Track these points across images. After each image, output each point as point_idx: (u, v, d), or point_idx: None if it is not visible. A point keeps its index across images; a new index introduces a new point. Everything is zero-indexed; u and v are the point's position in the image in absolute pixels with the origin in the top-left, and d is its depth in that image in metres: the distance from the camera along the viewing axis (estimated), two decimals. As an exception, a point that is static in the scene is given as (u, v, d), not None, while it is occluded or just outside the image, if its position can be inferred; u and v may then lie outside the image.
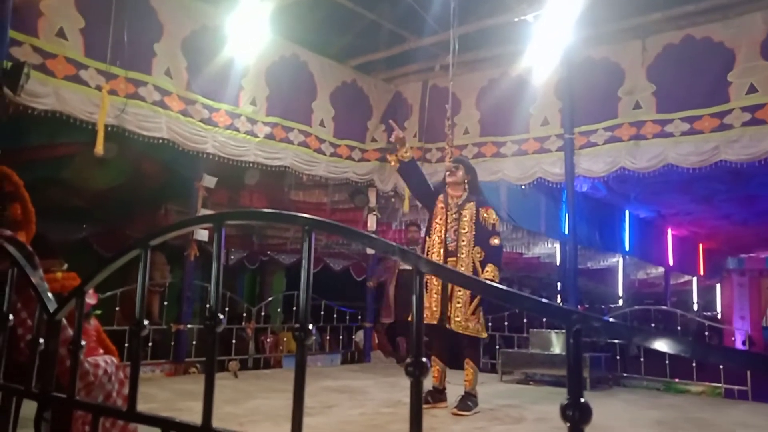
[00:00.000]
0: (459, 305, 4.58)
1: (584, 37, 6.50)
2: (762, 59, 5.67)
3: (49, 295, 2.10)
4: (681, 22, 6.11)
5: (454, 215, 4.76)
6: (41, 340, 2.00)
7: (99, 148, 5.19)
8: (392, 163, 5.07)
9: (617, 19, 6.40)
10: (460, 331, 4.59)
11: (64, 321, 2.16)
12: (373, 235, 1.25)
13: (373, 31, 7.58)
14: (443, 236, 4.75)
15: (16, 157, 5.65)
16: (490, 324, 7.43)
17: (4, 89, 3.11)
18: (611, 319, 0.89)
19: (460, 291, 4.60)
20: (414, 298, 1.14)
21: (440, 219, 4.81)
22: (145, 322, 1.58)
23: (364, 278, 8.85)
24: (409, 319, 1.13)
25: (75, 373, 1.80)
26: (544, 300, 0.94)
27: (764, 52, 5.66)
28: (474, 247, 4.67)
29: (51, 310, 1.91)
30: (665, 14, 6.04)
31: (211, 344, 1.49)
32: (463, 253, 4.67)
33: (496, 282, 4.50)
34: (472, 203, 4.79)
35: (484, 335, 4.79)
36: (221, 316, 1.45)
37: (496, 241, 4.71)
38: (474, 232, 4.69)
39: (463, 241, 4.68)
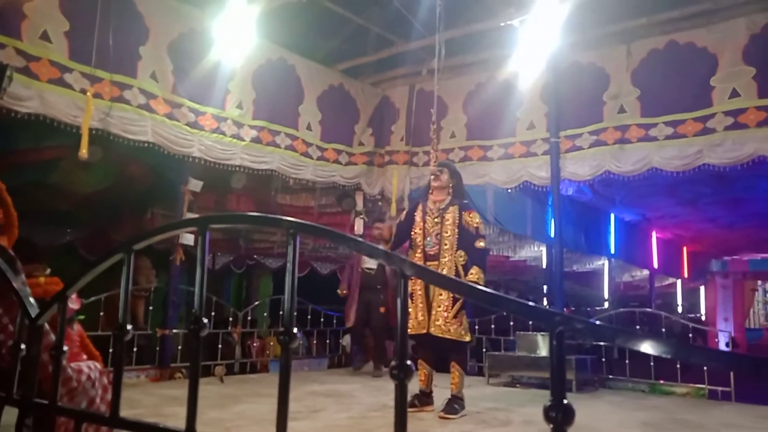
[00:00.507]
0: (440, 309, 4.56)
1: (570, 42, 6.55)
2: (744, 64, 5.74)
3: (31, 300, 2.08)
4: (665, 27, 6.18)
5: (435, 219, 4.75)
6: (23, 346, 1.98)
7: (83, 152, 5.15)
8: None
9: (603, 24, 6.46)
10: (440, 335, 4.55)
11: (47, 326, 2.13)
12: (358, 238, 1.25)
13: (360, 35, 7.60)
14: (423, 242, 4.76)
15: (1, 161, 5.61)
16: (476, 327, 7.45)
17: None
18: (595, 321, 0.89)
19: (441, 295, 4.58)
20: (399, 301, 1.14)
21: (419, 227, 4.82)
22: (129, 327, 1.56)
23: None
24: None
25: (57, 378, 1.78)
26: (528, 303, 0.95)
27: (746, 57, 5.73)
28: (457, 251, 4.65)
29: (33, 315, 1.89)
30: (650, 19, 6.11)
31: (196, 349, 1.48)
32: (445, 257, 4.65)
33: (480, 285, 4.51)
34: (455, 207, 4.77)
35: (467, 338, 4.73)
36: (206, 321, 1.44)
37: (481, 244, 4.69)
38: (457, 236, 4.68)
39: (445, 245, 4.66)
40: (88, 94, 5.26)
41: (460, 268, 4.62)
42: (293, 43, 7.21)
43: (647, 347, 0.83)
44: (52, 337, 2.47)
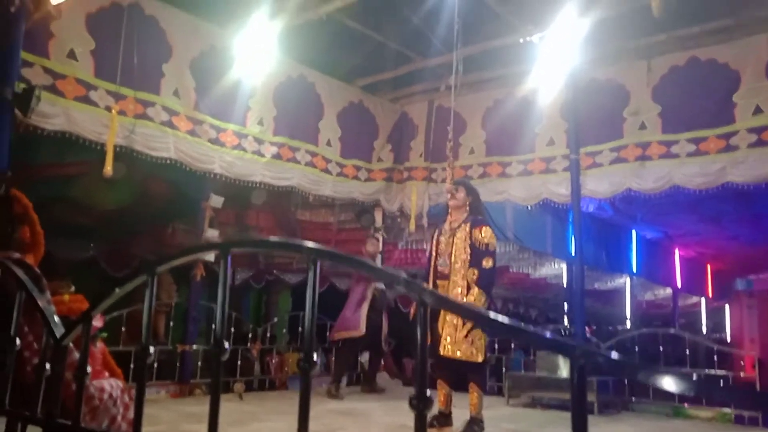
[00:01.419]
0: (449, 329, 4.49)
1: (589, 58, 6.53)
2: (767, 80, 5.67)
3: (56, 318, 2.10)
4: (686, 43, 6.13)
5: (448, 238, 4.72)
6: (47, 365, 2.01)
7: (108, 169, 5.23)
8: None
9: (622, 39, 6.43)
10: (449, 356, 4.45)
11: (71, 344, 2.15)
12: (377, 264, 1.25)
13: (379, 52, 7.65)
14: (435, 262, 4.73)
15: (26, 176, 5.71)
16: (496, 346, 7.39)
17: (15, 111, 3.15)
18: (615, 355, 0.88)
19: (449, 315, 4.50)
20: (418, 330, 1.14)
21: (434, 248, 4.80)
22: (152, 349, 1.58)
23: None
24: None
25: (80, 399, 1.80)
26: (547, 334, 0.94)
27: (770, 73, 5.66)
28: (469, 268, 4.56)
29: (58, 336, 1.91)
30: (670, 35, 6.07)
31: (216, 371, 1.49)
32: (456, 276, 4.58)
33: (477, 306, 4.46)
34: (466, 224, 4.69)
35: (479, 359, 4.51)
36: (226, 344, 1.45)
37: (488, 263, 4.55)
38: (469, 254, 4.59)
39: (456, 263, 4.60)
40: (113, 111, 5.35)
41: (472, 284, 4.54)
42: (313, 60, 7.28)
43: (670, 384, 0.81)
44: (76, 355, 2.50)
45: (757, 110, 5.66)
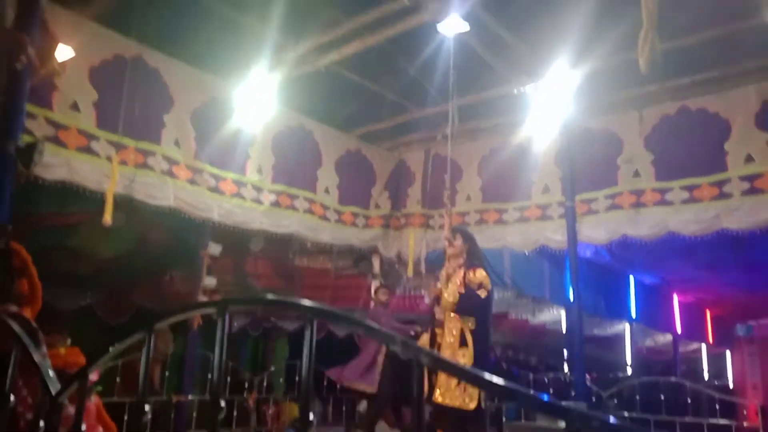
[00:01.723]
0: (442, 376, 4.39)
1: (582, 107, 6.67)
2: (757, 129, 5.79)
3: (51, 373, 2.10)
4: (676, 93, 6.27)
5: (444, 286, 4.70)
6: (42, 423, 1.99)
7: (107, 218, 5.26)
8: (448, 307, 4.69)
9: (614, 90, 6.57)
10: (439, 402, 4.37)
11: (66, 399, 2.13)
12: (374, 325, 1.25)
13: (376, 102, 7.79)
14: (434, 310, 4.70)
15: (25, 226, 5.74)
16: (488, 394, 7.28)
17: (18, 165, 3.21)
18: (612, 419, 0.89)
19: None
20: (414, 391, 1.14)
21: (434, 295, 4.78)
22: (147, 408, 1.58)
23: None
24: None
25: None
26: (543, 397, 0.95)
27: (759, 122, 5.78)
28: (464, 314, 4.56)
29: (54, 392, 1.91)
30: (661, 86, 6.21)
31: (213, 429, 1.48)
32: (450, 323, 4.52)
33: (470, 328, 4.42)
34: (461, 270, 4.69)
35: (472, 406, 4.36)
36: (222, 403, 1.45)
37: (483, 294, 4.50)
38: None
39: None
40: (114, 161, 5.41)
41: (468, 333, 4.48)
42: (312, 110, 7.41)
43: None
44: (71, 410, 2.48)
45: (749, 159, 5.75)
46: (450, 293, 4.58)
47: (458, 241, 4.88)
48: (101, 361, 1.77)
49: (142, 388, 1.59)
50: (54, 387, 1.95)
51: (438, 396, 4.39)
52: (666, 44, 4.82)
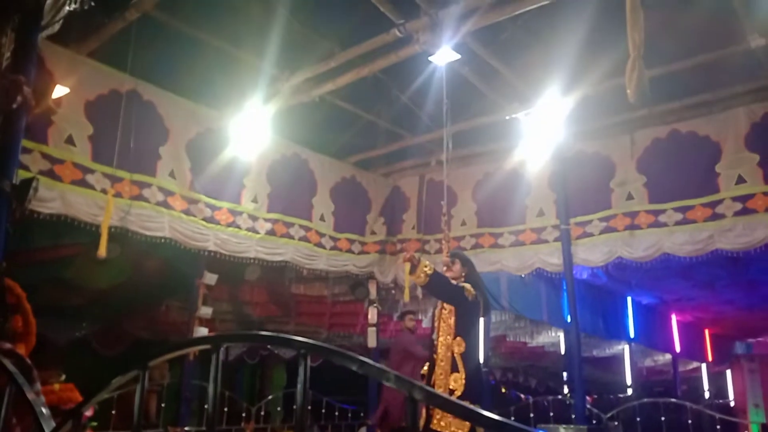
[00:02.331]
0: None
1: (574, 132, 6.75)
2: (747, 151, 5.85)
3: (45, 411, 2.09)
4: (667, 117, 6.36)
5: (439, 312, 4.67)
6: (35, 462, 1.98)
7: (102, 251, 5.25)
8: (419, 279, 4.47)
9: (605, 115, 6.66)
10: (438, 429, 4.35)
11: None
12: (368, 361, 1.26)
13: (370, 129, 7.88)
14: (432, 335, 4.67)
15: (19, 260, 5.73)
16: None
17: (13, 201, 3.22)
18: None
19: (440, 388, 4.39)
20: (410, 422, 1.15)
21: (436, 321, 4.74)
22: (141, 447, 1.57)
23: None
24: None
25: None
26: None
27: (749, 144, 5.85)
28: (455, 338, 4.52)
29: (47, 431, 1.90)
30: (651, 110, 6.29)
31: (207, 470, 1.48)
32: (441, 349, 4.45)
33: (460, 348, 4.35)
34: None
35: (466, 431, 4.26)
36: (217, 441, 1.45)
37: (455, 282, 4.45)
38: (455, 318, 4.45)
39: (441, 336, 4.53)
40: (109, 194, 5.43)
41: (458, 358, 4.42)
42: (306, 139, 7.47)
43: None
44: (64, 447, 2.45)
45: (740, 180, 5.81)
46: (425, 265, 4.35)
47: (456, 266, 4.87)
48: (95, 399, 1.77)
49: (136, 425, 1.58)
50: (48, 425, 1.95)
51: (435, 422, 4.35)
52: (655, 69, 4.92)
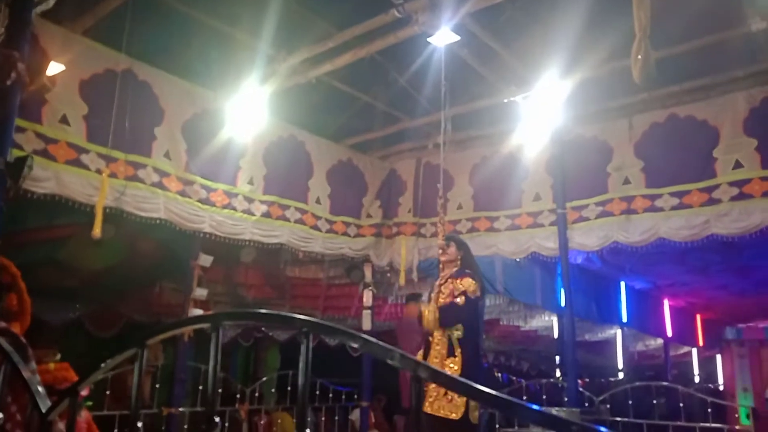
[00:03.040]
0: (431, 386, 4.35)
1: (573, 116, 6.72)
2: (745, 136, 5.84)
3: (40, 389, 2.07)
4: (666, 101, 6.33)
5: (436, 295, 4.67)
6: (32, 440, 1.96)
7: (97, 231, 5.22)
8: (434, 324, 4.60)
9: (604, 99, 6.63)
10: (429, 412, 4.35)
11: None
12: (371, 339, 1.24)
13: (367, 111, 7.82)
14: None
15: (13, 240, 5.69)
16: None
17: (7, 179, 3.19)
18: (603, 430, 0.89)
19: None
20: (413, 402, 1.14)
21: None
22: (140, 425, 1.56)
23: (360, 354, 8.68)
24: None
25: (66, 476, 1.76)
26: (543, 411, 0.95)
27: (747, 129, 5.84)
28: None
29: (44, 410, 1.88)
30: (650, 94, 6.26)
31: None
32: (438, 331, 4.51)
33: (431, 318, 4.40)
34: (452, 278, 4.65)
35: (454, 416, 4.28)
36: (217, 420, 1.44)
37: (457, 300, 4.45)
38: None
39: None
40: (104, 174, 5.38)
41: (455, 342, 4.44)
42: (303, 121, 7.42)
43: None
44: (61, 426, 2.45)
45: (737, 165, 5.81)
46: (430, 311, 4.55)
47: (452, 249, 4.87)
48: (92, 378, 1.75)
49: (134, 404, 1.57)
50: (44, 404, 1.93)
51: (427, 406, 4.35)
52: (654, 53, 4.86)
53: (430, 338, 4.56)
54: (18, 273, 2.81)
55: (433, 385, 4.29)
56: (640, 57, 3.18)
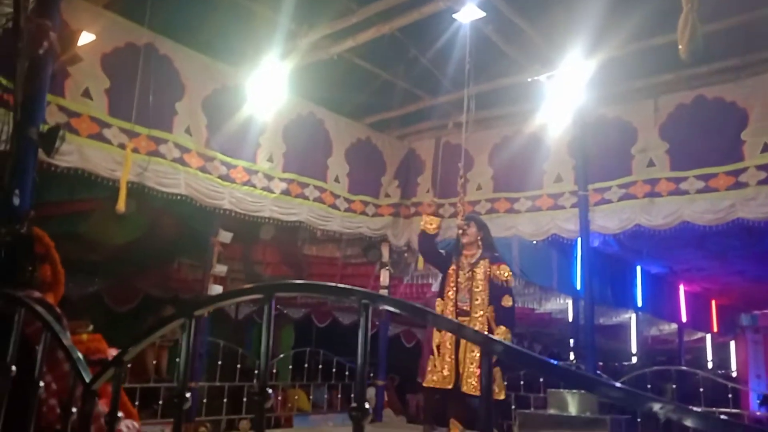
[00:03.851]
0: (472, 367, 4.47)
1: (597, 97, 6.62)
2: (775, 118, 5.74)
3: (81, 357, 2.07)
4: (693, 82, 6.22)
5: (467, 274, 4.71)
6: (74, 410, 1.97)
7: (121, 206, 5.24)
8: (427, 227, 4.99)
9: (629, 79, 6.52)
10: (473, 393, 4.45)
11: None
12: (438, 314, 1.21)
13: (387, 90, 7.74)
14: (455, 297, 4.71)
15: (36, 213, 5.71)
16: (505, 383, 7.29)
17: (39, 151, 3.19)
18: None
19: (472, 352, 4.48)
20: (483, 383, 1.11)
21: (452, 281, 4.78)
22: (188, 395, 1.55)
23: (375, 332, 8.71)
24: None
25: (111, 445, 1.77)
26: (572, 369, 0.92)
27: (777, 111, 5.73)
28: (489, 305, 4.61)
29: (87, 381, 1.88)
30: (677, 75, 6.15)
31: (259, 419, 1.46)
32: (477, 313, 4.59)
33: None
34: (485, 260, 4.75)
35: (501, 396, 4.61)
36: (270, 391, 1.43)
37: (508, 303, 4.62)
38: (488, 291, 4.63)
39: (477, 300, 4.61)
40: (127, 149, 5.38)
41: (493, 323, 4.56)
42: (322, 98, 7.36)
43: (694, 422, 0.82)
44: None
45: (765, 148, 5.71)
46: (479, 285, 4.65)
47: (472, 229, 4.88)
48: (138, 348, 1.75)
49: (183, 376, 1.56)
50: (87, 374, 1.93)
51: (468, 385, 4.43)
52: (701, 27, 4.76)
53: (464, 318, 4.59)
54: (52, 244, 2.81)
55: (474, 365, 4.38)
56: (687, 31, 3.10)
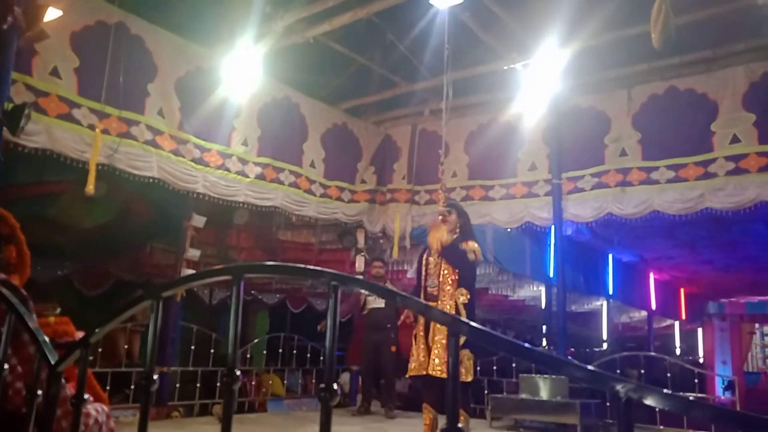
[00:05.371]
0: (438, 350, 4.47)
1: (572, 86, 6.67)
2: (744, 111, 5.85)
3: (47, 340, 2.04)
4: (666, 73, 6.30)
5: (437, 259, 4.71)
6: (39, 392, 1.94)
7: (90, 188, 5.13)
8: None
9: (603, 69, 6.58)
10: (438, 375, 4.45)
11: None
12: (403, 293, 1.22)
13: (364, 75, 7.70)
14: (425, 283, 4.72)
15: (2, 195, 5.58)
16: (478, 368, 7.36)
17: (4, 130, 3.09)
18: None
19: (438, 335, 4.49)
20: (450, 360, 1.12)
21: (424, 268, 4.80)
22: (156, 377, 1.54)
23: (349, 318, 8.72)
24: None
25: (77, 426, 1.74)
26: (536, 348, 0.93)
27: (746, 103, 5.84)
28: (458, 288, 4.59)
29: (53, 362, 1.85)
30: (650, 66, 6.23)
31: (228, 403, 1.46)
32: (444, 297, 4.59)
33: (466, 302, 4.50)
34: (451, 234, 4.73)
35: (468, 379, 4.53)
36: (238, 373, 1.42)
37: (471, 256, 4.55)
38: (458, 274, 4.63)
39: (446, 285, 4.61)
40: (97, 130, 5.26)
41: (461, 307, 4.53)
42: (298, 82, 7.29)
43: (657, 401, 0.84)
44: (62, 380, 2.41)
45: (735, 139, 5.82)
46: (436, 239, 4.62)
47: (452, 216, 4.88)
48: (105, 329, 1.73)
49: (150, 359, 1.55)
50: (52, 356, 1.90)
51: (434, 369, 4.44)
52: (674, 17, 4.80)
53: (435, 303, 4.58)
54: (17, 224, 2.74)
55: (439, 348, 4.39)
56: (660, 20, 3.13)
